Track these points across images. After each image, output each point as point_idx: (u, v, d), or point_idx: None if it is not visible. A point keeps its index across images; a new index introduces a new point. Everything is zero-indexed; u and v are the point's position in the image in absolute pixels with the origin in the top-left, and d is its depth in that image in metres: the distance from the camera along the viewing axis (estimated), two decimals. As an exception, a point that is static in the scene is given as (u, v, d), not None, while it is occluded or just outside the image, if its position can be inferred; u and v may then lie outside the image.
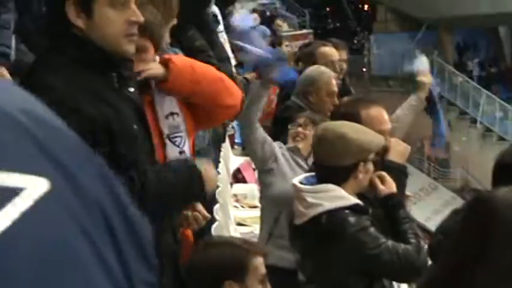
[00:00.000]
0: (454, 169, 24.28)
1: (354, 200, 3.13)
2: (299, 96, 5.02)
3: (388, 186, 3.25)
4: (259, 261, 2.71)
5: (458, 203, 22.47)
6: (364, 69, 27.57)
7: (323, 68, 5.19)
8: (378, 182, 3.23)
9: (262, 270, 2.71)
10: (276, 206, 4.24)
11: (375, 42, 28.34)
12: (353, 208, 3.12)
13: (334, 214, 3.12)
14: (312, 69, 5.17)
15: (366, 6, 33.22)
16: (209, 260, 2.71)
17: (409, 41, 26.27)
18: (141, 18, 2.42)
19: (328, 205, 3.12)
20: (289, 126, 4.46)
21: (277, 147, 4.35)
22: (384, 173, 3.26)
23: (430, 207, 20.75)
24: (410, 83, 25.18)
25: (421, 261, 3.08)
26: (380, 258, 3.08)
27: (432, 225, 17.09)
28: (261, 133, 4.32)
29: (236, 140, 9.21)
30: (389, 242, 3.10)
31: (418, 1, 25.59)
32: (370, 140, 3.17)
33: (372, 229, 3.10)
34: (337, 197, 3.12)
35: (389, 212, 3.25)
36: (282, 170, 4.29)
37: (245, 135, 4.64)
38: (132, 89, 2.54)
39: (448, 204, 20.84)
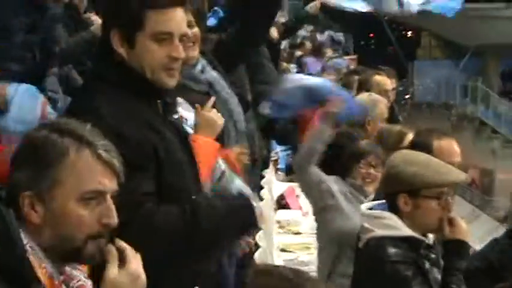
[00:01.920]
0: (498, 197, 23.91)
1: (407, 232, 3.11)
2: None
3: (457, 230, 3.12)
4: None
5: (501, 232, 22.07)
6: (407, 96, 27.41)
7: (377, 96, 5.21)
8: (445, 223, 3.12)
9: None
10: (337, 242, 4.19)
11: (419, 69, 28.19)
12: (406, 240, 3.10)
13: (378, 242, 3.11)
14: (366, 98, 5.17)
15: (409, 33, 33.08)
16: None
17: (453, 68, 26.11)
18: (183, 55, 2.45)
19: (378, 233, 3.12)
20: (361, 165, 4.31)
21: (333, 183, 4.29)
22: (455, 217, 3.14)
23: (472, 236, 20.42)
24: (452, 109, 24.91)
25: None
26: None
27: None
28: (316, 174, 4.27)
29: (280, 166, 9.23)
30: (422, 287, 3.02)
31: (463, 27, 25.44)
32: (418, 172, 3.10)
33: (411, 267, 3.01)
34: (389, 225, 3.11)
35: (446, 257, 3.13)
36: (341, 206, 4.21)
37: (300, 179, 4.60)
38: (176, 116, 2.61)
39: (491, 234, 20.54)
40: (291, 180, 8.84)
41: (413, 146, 3.65)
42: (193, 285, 2.57)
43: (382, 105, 5.11)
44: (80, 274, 1.91)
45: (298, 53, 13.59)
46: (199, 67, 3.39)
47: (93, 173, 1.82)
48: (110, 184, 1.84)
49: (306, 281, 2.72)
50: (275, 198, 7.97)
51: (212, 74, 3.46)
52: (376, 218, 3.17)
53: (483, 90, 24.99)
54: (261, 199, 6.42)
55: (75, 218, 1.80)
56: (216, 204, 2.45)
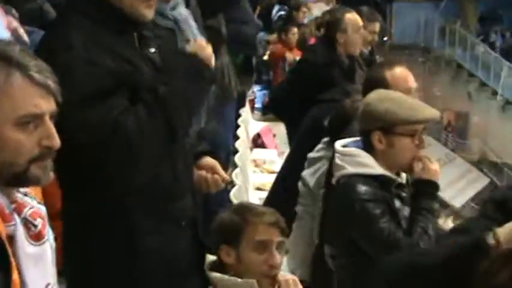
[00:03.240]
0: (472, 140, 24.14)
1: (379, 171, 3.10)
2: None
3: (426, 170, 3.13)
4: (256, 229, 2.69)
5: (474, 175, 22.40)
6: (385, 38, 27.31)
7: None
8: (416, 164, 3.14)
9: (260, 237, 2.67)
10: None
11: (397, 10, 28.04)
12: (378, 178, 3.11)
13: (348, 180, 3.11)
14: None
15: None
16: (216, 223, 2.76)
17: (432, 10, 26.00)
18: None
19: (350, 170, 3.11)
20: None
21: None
22: (428, 158, 3.15)
23: (445, 179, 20.70)
24: (430, 52, 24.96)
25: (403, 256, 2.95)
26: (371, 234, 3.05)
27: (447, 196, 17.07)
28: None
29: (256, 105, 9.24)
30: (390, 226, 3.03)
31: (442, -30, 25.31)
32: (392, 109, 3.11)
33: (380, 205, 3.03)
34: (361, 163, 3.10)
35: (414, 197, 3.16)
36: None
37: None
38: (153, 50, 2.55)
39: (464, 176, 20.79)
40: (267, 120, 8.87)
41: (369, 82, 3.71)
42: (178, 222, 2.59)
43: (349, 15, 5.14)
44: (31, 200, 1.86)
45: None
46: (171, 3, 3.33)
47: (26, 96, 1.73)
48: (46, 105, 1.76)
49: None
50: (251, 137, 7.99)
51: (181, 12, 3.39)
52: (349, 155, 3.16)
53: (461, 33, 24.95)
54: (237, 138, 6.43)
55: (13, 143, 1.72)
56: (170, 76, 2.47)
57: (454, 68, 25.09)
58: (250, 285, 2.61)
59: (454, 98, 23.35)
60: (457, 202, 18.72)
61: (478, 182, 20.82)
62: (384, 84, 3.58)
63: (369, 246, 3.08)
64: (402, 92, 3.57)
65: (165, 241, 2.52)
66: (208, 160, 2.92)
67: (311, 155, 4.01)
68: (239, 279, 2.62)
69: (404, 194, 3.17)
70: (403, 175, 3.23)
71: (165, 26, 3.24)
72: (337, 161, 3.19)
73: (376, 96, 3.21)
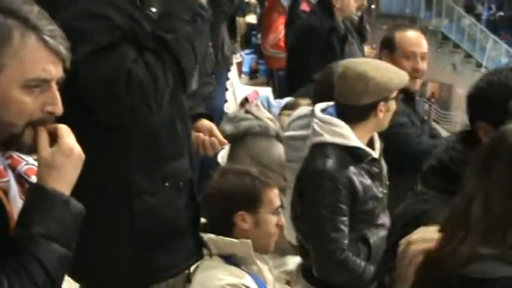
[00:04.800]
0: (455, 112, 24.29)
1: (355, 143, 3.05)
2: None
3: None
4: (274, 193, 2.73)
5: (456, 146, 22.47)
6: (373, 6, 27.26)
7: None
8: None
9: (277, 202, 2.73)
10: None
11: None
12: (351, 151, 3.05)
13: (321, 148, 3.07)
14: None
15: None
16: (223, 189, 2.72)
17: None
18: None
19: (327, 138, 3.07)
20: None
21: None
22: None
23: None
24: (416, 22, 24.95)
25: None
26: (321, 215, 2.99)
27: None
28: None
29: (244, 69, 9.19)
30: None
31: None
32: (391, 77, 3.07)
33: (344, 179, 2.98)
34: (339, 134, 3.06)
35: None
36: None
37: None
38: (154, 10, 2.52)
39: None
40: (255, 84, 8.84)
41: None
42: (176, 182, 2.59)
43: None
44: (27, 157, 1.82)
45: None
46: None
47: (38, 59, 1.69)
48: (55, 71, 1.72)
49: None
50: (239, 101, 7.96)
51: None
52: (328, 123, 3.12)
53: (448, 4, 24.96)
54: (225, 101, 6.41)
55: (17, 104, 1.69)
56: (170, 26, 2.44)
57: (439, 39, 25.14)
58: (247, 245, 2.64)
59: (439, 69, 23.43)
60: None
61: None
62: (390, 44, 3.62)
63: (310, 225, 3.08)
64: (408, 56, 3.61)
65: (164, 201, 2.52)
66: (205, 122, 2.91)
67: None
68: (235, 240, 2.64)
69: (375, 170, 3.14)
70: (377, 148, 3.22)
71: None
72: (315, 126, 3.16)
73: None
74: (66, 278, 2.07)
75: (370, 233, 3.08)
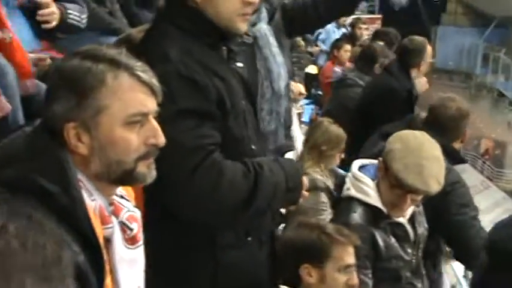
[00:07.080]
0: (509, 170, 23.93)
1: (375, 202, 3.13)
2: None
3: None
4: (345, 251, 2.73)
5: (509, 204, 22.12)
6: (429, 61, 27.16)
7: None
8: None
9: (348, 260, 2.73)
10: None
11: (442, 34, 27.93)
12: (373, 209, 3.13)
13: (349, 202, 3.19)
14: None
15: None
16: (294, 240, 2.78)
17: (476, 36, 25.87)
18: (257, 0, 2.44)
19: (351, 193, 3.19)
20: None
21: None
22: None
23: (480, 206, 20.44)
24: (472, 78, 24.73)
25: None
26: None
27: (482, 223, 16.88)
28: None
29: (303, 119, 9.26)
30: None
31: (490, -3, 25.16)
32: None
33: (364, 235, 3.04)
34: (364, 191, 3.16)
35: None
36: None
37: None
38: (241, 64, 2.56)
39: (498, 205, 20.58)
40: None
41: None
42: (259, 236, 2.61)
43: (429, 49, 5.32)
44: (128, 203, 1.89)
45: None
46: (252, 18, 3.27)
47: (135, 95, 1.76)
48: (151, 105, 1.80)
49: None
50: (299, 151, 8.03)
51: (261, 28, 3.37)
52: (357, 180, 3.23)
53: (505, 61, 24.79)
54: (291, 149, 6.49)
55: (123, 142, 1.75)
56: (274, 169, 2.45)
57: (495, 96, 24.91)
58: None
59: (494, 126, 23.18)
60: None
61: (514, 212, 20.60)
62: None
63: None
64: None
65: (246, 254, 2.53)
66: None
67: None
68: None
69: (399, 232, 3.18)
70: (408, 214, 3.24)
71: (243, 41, 3.21)
72: (347, 180, 3.28)
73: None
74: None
75: None
